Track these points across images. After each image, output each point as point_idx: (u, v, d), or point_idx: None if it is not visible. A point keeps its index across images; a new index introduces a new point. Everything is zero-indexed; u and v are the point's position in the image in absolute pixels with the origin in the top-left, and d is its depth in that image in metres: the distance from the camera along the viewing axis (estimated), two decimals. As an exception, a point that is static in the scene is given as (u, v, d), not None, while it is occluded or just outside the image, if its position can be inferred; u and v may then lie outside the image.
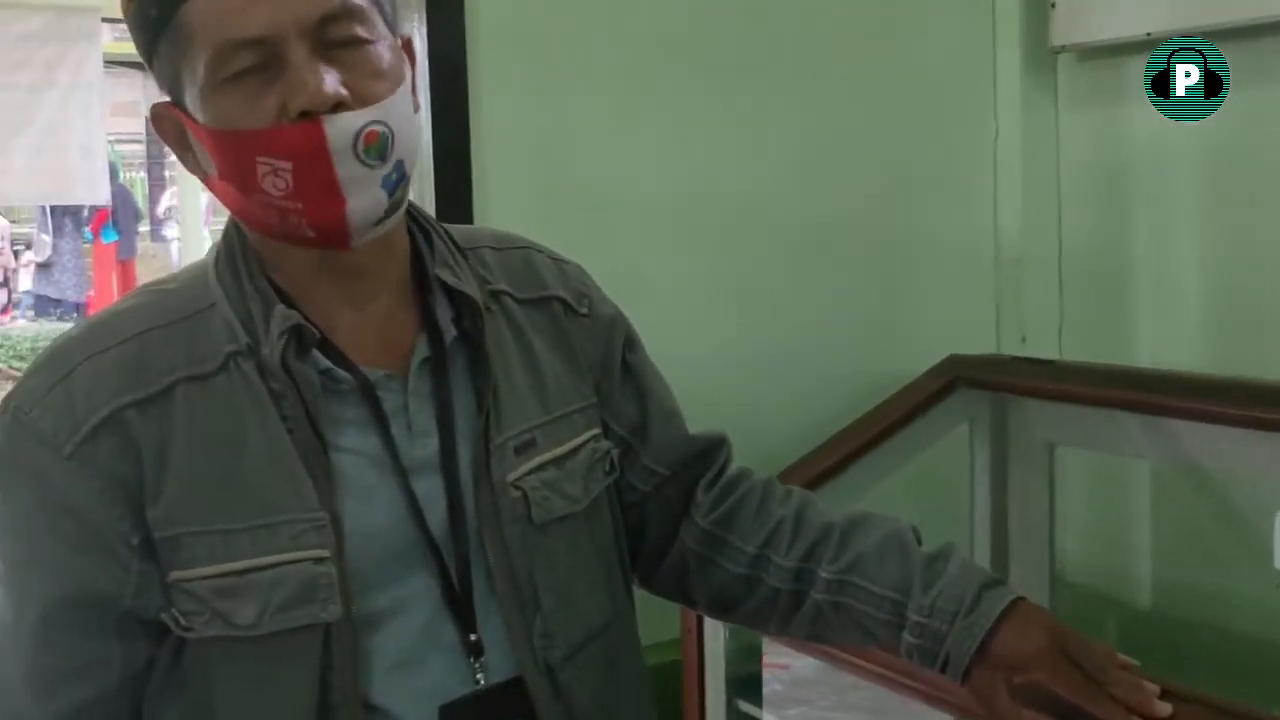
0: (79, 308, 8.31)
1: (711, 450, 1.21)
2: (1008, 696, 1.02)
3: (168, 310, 1.00)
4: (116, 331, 0.99)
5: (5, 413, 0.97)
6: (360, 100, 0.93)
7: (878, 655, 1.43)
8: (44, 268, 8.38)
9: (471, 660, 1.00)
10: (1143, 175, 2.31)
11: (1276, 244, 2.13)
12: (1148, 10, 2.16)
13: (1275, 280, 2.13)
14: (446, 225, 1.12)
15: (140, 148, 9.21)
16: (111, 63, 5.18)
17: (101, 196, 5.10)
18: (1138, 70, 1.92)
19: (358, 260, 1.00)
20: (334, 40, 0.94)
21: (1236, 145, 2.14)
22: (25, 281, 9.04)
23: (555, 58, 2.09)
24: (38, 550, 0.96)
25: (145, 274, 8.11)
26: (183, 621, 0.95)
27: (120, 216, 8.24)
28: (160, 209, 9.19)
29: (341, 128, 0.92)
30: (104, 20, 4.68)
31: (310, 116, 0.91)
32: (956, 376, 2.17)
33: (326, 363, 0.99)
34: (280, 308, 0.98)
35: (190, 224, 7.99)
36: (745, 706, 1.93)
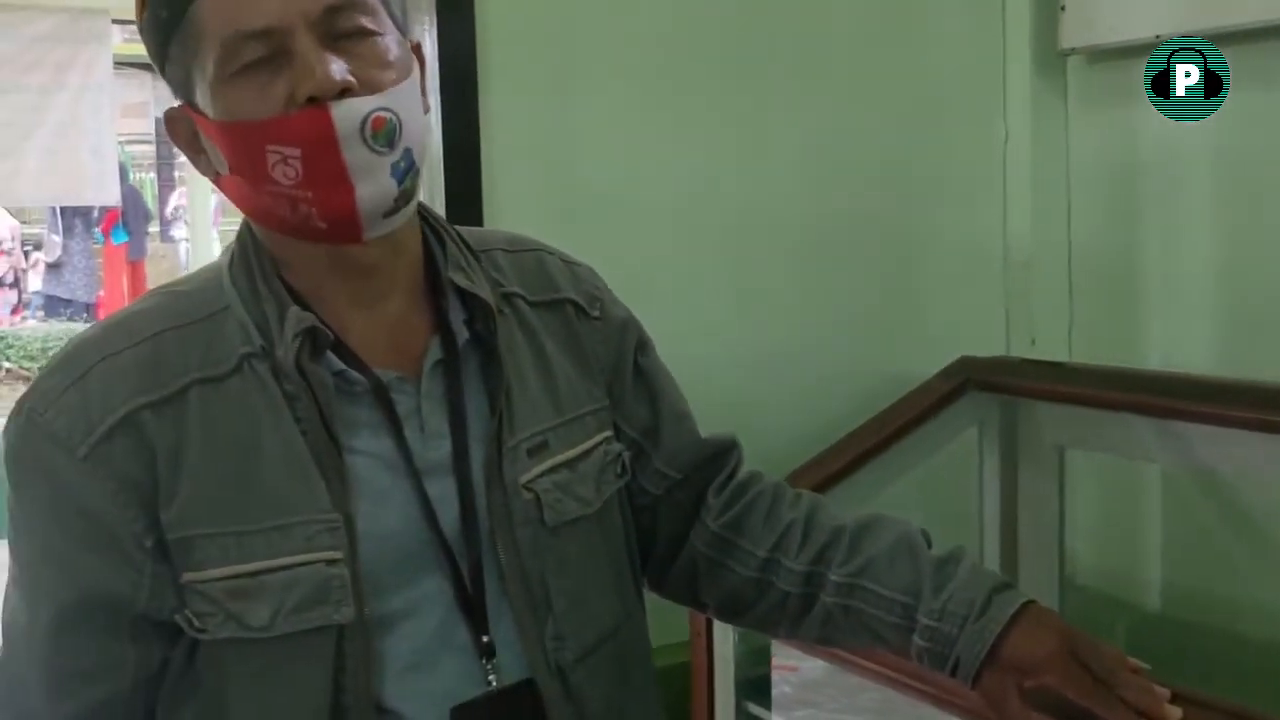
0: (89, 308, 8.33)
1: (723, 454, 1.21)
2: (1018, 700, 1.02)
3: (182, 312, 1.00)
4: (132, 333, 0.99)
5: (20, 414, 0.97)
6: (367, 87, 0.94)
7: (886, 658, 1.44)
8: (54, 268, 8.40)
9: (483, 662, 1.01)
10: (1152, 177, 2.30)
11: (1287, 246, 2.13)
12: (1157, 13, 2.16)
13: (1286, 282, 2.13)
14: (459, 228, 1.12)
15: (150, 149, 9.21)
16: (121, 64, 5.19)
17: (112, 197, 5.11)
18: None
19: (368, 258, 1.00)
20: (340, 31, 0.95)
21: (1247, 147, 2.14)
22: (35, 282, 9.04)
23: (564, 59, 2.09)
24: (52, 552, 0.96)
25: (154, 274, 8.12)
26: (196, 623, 0.95)
27: (130, 217, 8.25)
28: (169, 209, 9.20)
29: (348, 113, 0.92)
30: (114, 22, 4.70)
31: (317, 102, 0.92)
32: (967, 379, 2.17)
33: (340, 365, 0.99)
34: (294, 309, 0.98)
35: (199, 225, 7.99)
36: (754, 708, 1.93)
